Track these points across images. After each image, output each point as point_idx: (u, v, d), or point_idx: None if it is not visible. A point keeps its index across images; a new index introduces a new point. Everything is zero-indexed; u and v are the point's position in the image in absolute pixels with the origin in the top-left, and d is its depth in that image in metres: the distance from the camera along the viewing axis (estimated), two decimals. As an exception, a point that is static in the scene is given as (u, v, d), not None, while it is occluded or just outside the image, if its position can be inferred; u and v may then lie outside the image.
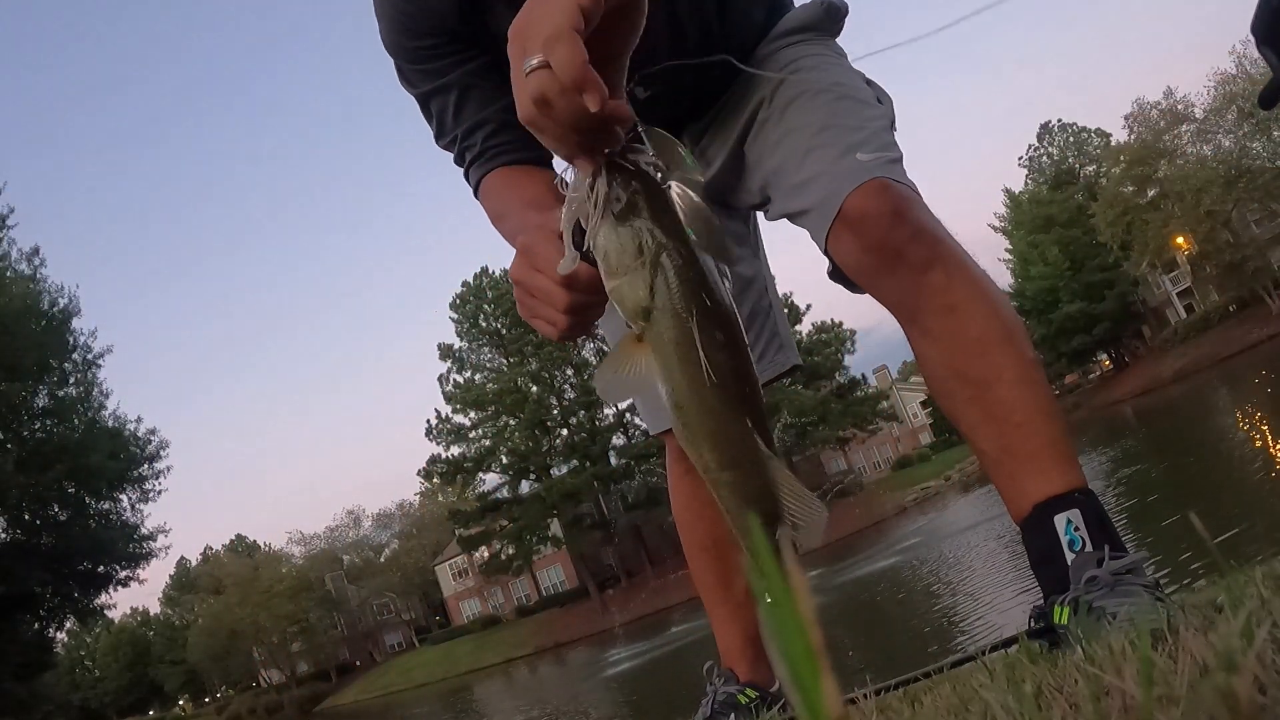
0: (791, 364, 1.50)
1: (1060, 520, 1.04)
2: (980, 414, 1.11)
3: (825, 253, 1.20)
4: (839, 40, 1.40)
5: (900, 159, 1.21)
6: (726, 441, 0.71)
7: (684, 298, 0.71)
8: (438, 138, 1.32)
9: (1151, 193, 39.73)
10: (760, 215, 1.50)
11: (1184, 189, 37.10)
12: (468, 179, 1.31)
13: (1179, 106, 38.08)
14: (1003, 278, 52.62)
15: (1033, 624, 1.16)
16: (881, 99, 1.30)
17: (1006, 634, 1.38)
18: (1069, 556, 1.02)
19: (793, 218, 1.26)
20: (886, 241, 1.11)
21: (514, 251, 0.94)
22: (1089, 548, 1.02)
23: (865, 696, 1.05)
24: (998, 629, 6.67)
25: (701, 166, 1.38)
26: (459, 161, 1.31)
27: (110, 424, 27.99)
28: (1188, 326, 42.09)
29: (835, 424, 43.11)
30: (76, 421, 26.98)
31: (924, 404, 65.33)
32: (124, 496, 28.36)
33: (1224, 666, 0.40)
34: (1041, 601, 1.08)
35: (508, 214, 1.18)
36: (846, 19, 1.40)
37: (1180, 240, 40.20)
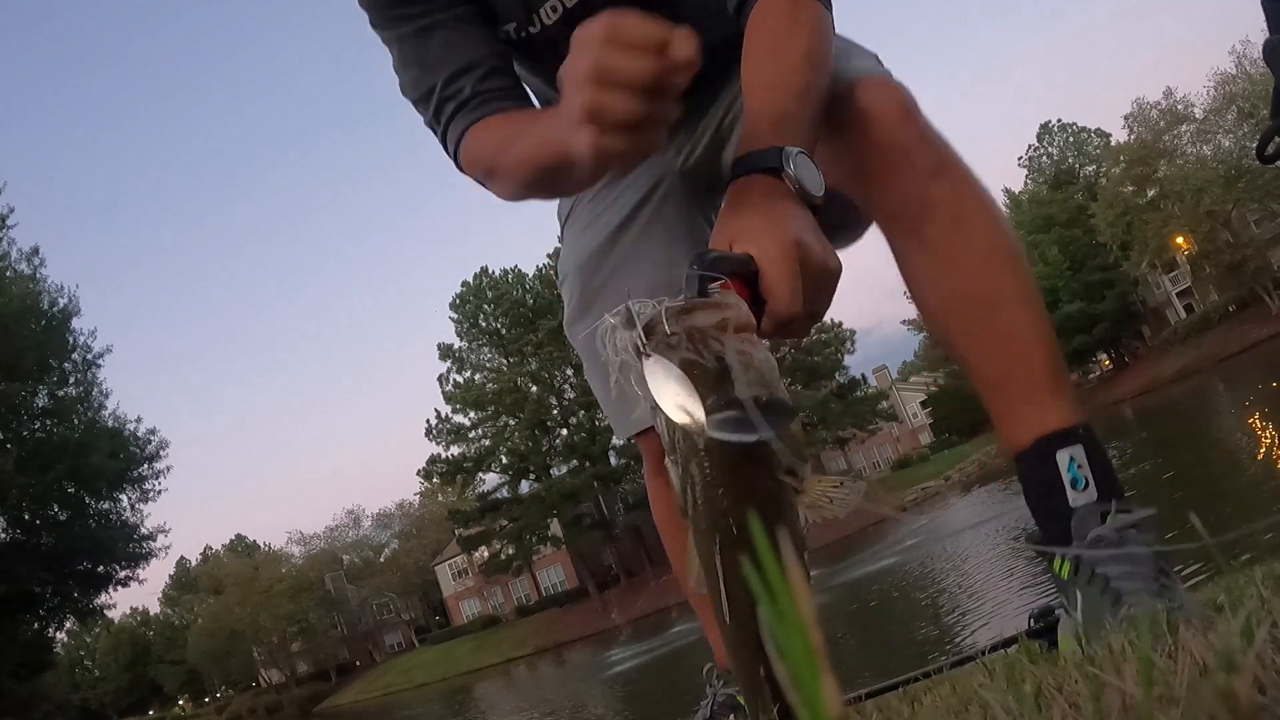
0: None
1: (1063, 456, 0.97)
2: (984, 337, 1.03)
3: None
4: None
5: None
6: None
7: (708, 520, 0.67)
8: (409, 90, 1.16)
9: (1151, 193, 39.77)
10: None
11: (1184, 189, 37.14)
12: (445, 138, 1.13)
13: (1179, 106, 38.13)
14: (1003, 278, 52.61)
15: (1032, 624, 1.16)
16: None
17: (1006, 634, 1.38)
18: (1070, 495, 0.96)
19: None
20: (894, 140, 1.02)
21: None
22: (1091, 489, 0.96)
23: (860, 698, 1.05)
24: (998, 629, 6.67)
25: (687, 145, 1.35)
26: (434, 116, 1.13)
27: (110, 424, 28.03)
28: (1188, 326, 42.11)
29: (835, 424, 43.14)
30: (76, 421, 27.01)
31: (924, 404, 65.38)
32: (124, 496, 28.41)
33: (1224, 666, 0.40)
34: (1042, 603, 1.07)
35: (511, 140, 1.02)
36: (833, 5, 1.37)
37: (1180, 240, 40.23)
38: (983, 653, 1.29)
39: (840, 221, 1.17)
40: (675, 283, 1.33)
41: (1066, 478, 0.97)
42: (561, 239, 1.52)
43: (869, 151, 1.03)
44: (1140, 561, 0.90)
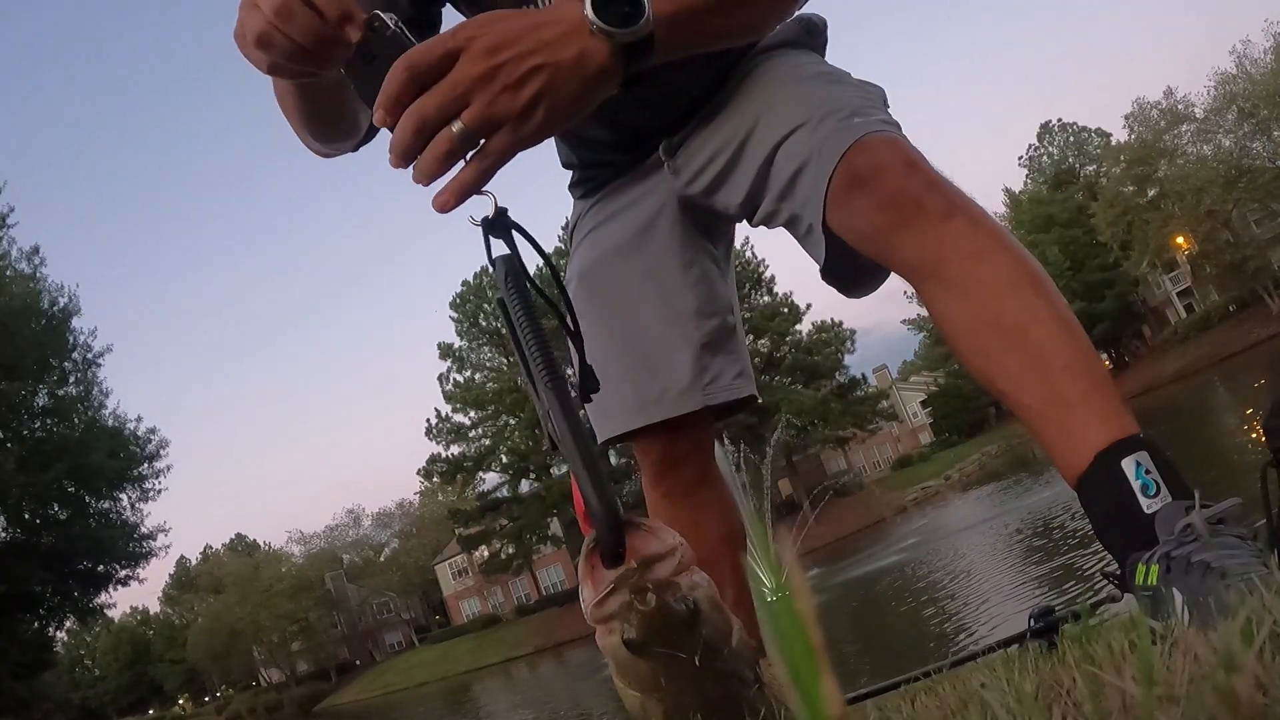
0: (748, 393, 1.40)
1: (1129, 463, 0.90)
2: (1020, 362, 0.98)
3: (824, 228, 1.09)
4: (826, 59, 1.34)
5: (901, 129, 1.14)
6: None
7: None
8: None
9: (1151, 193, 39.80)
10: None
11: (1184, 189, 37.15)
12: None
13: (1179, 106, 38.14)
14: (1003, 277, 52.61)
15: (1033, 624, 1.16)
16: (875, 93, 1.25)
17: (1006, 634, 1.37)
18: (1144, 503, 0.89)
19: (784, 199, 1.16)
20: (904, 192, 1.02)
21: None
22: (1164, 493, 0.89)
23: (861, 698, 1.05)
24: (998, 629, 6.67)
25: (673, 177, 1.32)
26: None
27: (110, 423, 28.06)
28: (1188, 326, 42.13)
29: (835, 424, 43.11)
30: (76, 421, 27.04)
31: (924, 404, 65.39)
32: (124, 496, 28.45)
33: (1225, 666, 0.40)
34: (1042, 605, 1.05)
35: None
36: (827, 33, 1.34)
37: (1180, 240, 40.25)
38: (983, 652, 1.29)
39: (859, 277, 1.20)
40: (672, 315, 1.33)
41: (1136, 485, 0.89)
42: (569, 243, 1.51)
43: (881, 211, 1.03)
44: (1238, 546, 0.84)
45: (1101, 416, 0.95)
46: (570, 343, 0.95)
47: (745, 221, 1.30)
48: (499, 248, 0.86)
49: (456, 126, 0.80)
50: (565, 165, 1.46)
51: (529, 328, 0.82)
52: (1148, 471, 0.90)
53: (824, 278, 1.20)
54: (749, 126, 1.21)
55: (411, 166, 0.82)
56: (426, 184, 0.82)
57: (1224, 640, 0.48)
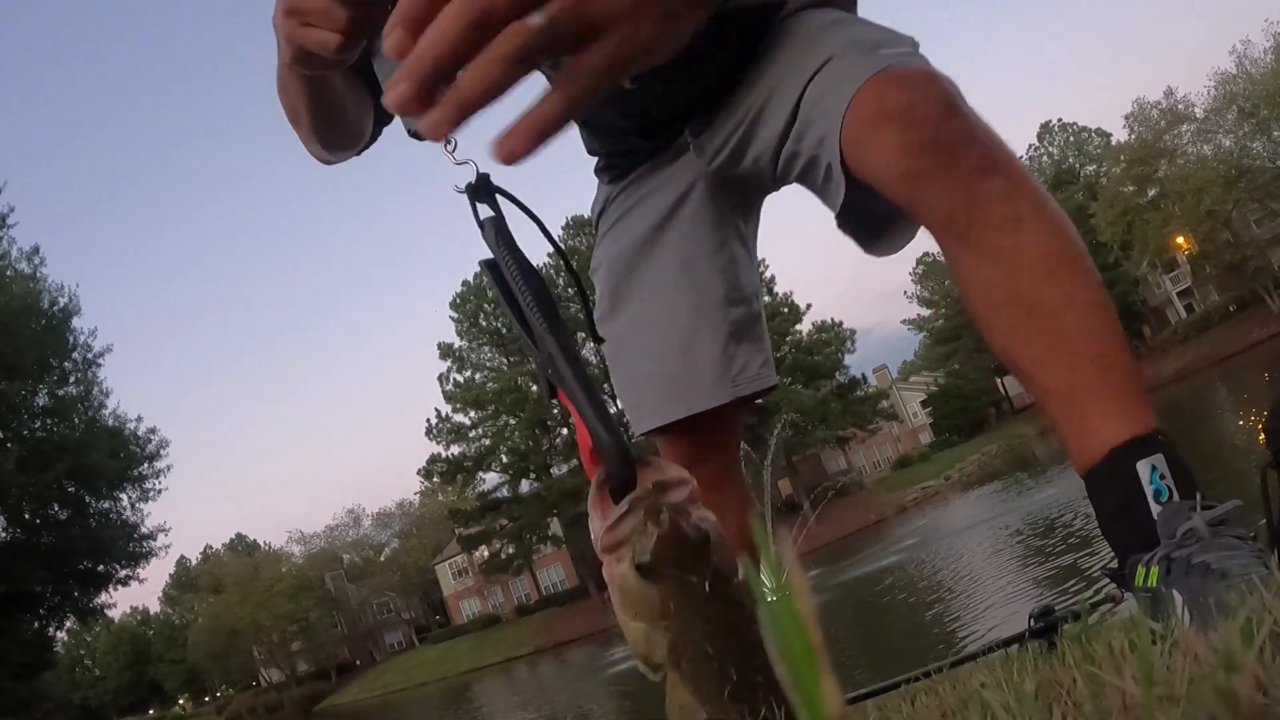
0: (774, 383, 1.37)
1: (1144, 466, 0.88)
2: (1047, 345, 0.94)
3: (844, 169, 1.01)
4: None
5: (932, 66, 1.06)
6: None
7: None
8: None
9: (1151, 193, 39.81)
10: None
11: (1184, 189, 37.18)
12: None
13: (1179, 106, 38.16)
14: (1003, 277, 52.70)
15: (1033, 624, 1.15)
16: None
17: (1006, 634, 1.37)
18: (1154, 508, 0.87)
19: (802, 139, 1.10)
20: (940, 137, 0.93)
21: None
22: (1176, 499, 0.86)
23: (861, 698, 1.05)
24: (998, 629, 6.67)
25: (703, 161, 1.30)
26: None
27: (110, 423, 28.08)
28: (1188, 326, 42.16)
29: (835, 423, 43.14)
30: (76, 420, 27.05)
31: (924, 404, 65.39)
32: (124, 495, 28.46)
33: (1224, 666, 0.40)
34: (1042, 604, 1.04)
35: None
36: None
37: (1180, 240, 40.27)
38: (983, 652, 1.29)
39: (880, 231, 1.14)
40: (701, 303, 1.31)
41: (1149, 490, 0.87)
42: (596, 228, 1.49)
43: (912, 154, 0.94)
44: (1238, 547, 0.82)
45: (1124, 412, 0.92)
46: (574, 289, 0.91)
47: (771, 183, 1.25)
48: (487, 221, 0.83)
49: (536, 18, 0.55)
50: (590, 152, 1.43)
51: (521, 277, 0.78)
52: (1162, 476, 0.87)
53: (840, 226, 1.12)
54: (773, 84, 1.15)
55: (425, 115, 0.57)
56: (460, 117, 0.57)
57: (1224, 640, 0.48)
